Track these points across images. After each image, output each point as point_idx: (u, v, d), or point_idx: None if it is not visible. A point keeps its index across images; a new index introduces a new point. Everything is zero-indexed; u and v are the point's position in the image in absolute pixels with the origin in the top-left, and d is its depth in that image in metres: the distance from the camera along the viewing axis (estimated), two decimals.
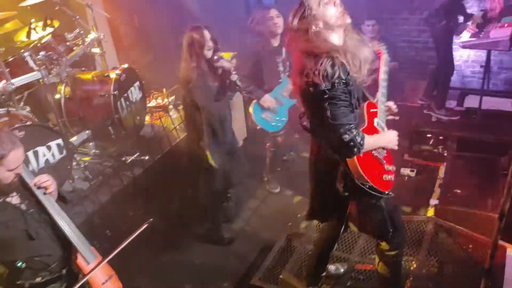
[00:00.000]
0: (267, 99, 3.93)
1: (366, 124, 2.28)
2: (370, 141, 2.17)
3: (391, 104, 2.46)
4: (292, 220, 4.00)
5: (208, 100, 3.22)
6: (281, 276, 3.26)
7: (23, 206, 2.12)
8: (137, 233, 2.28)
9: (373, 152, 2.25)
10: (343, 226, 2.57)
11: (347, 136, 2.04)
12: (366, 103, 2.34)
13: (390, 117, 2.47)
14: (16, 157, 2.00)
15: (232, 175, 3.60)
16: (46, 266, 2.15)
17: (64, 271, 2.25)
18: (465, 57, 5.79)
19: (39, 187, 2.15)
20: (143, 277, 3.49)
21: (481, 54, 5.45)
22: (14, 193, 2.11)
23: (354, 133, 2.05)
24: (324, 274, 3.01)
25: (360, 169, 2.15)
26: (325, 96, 2.05)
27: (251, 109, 3.99)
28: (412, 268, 3.12)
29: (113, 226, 3.60)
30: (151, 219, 2.37)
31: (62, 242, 2.22)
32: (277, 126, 4.07)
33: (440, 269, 3.11)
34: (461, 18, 4.69)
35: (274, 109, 3.97)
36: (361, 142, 2.07)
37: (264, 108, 3.95)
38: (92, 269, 2.19)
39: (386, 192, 2.29)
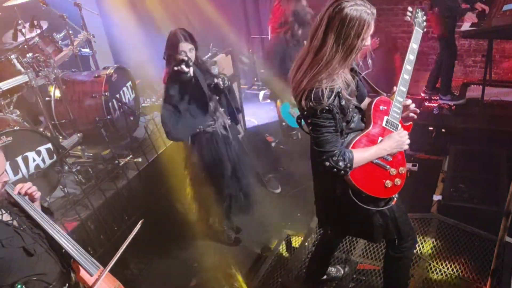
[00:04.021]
0: None
1: (371, 127, 2.07)
2: (366, 156, 2.02)
3: (409, 103, 2.15)
4: (291, 220, 3.89)
5: (169, 82, 3.09)
6: (280, 280, 3.16)
7: (15, 223, 1.97)
8: (131, 236, 2.21)
9: (375, 160, 2.07)
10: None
11: (327, 163, 1.95)
12: (375, 100, 2.08)
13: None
14: None
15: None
16: (47, 285, 2.02)
17: None
18: (466, 46, 5.66)
19: (24, 195, 2.01)
20: (143, 278, 3.49)
21: (483, 43, 5.32)
22: (3, 211, 1.97)
23: (335, 159, 1.93)
24: (324, 277, 2.92)
25: (354, 182, 2.03)
26: (308, 121, 1.99)
27: (279, 103, 4.13)
28: (415, 267, 3.01)
29: (107, 231, 3.52)
30: (142, 220, 2.30)
31: (60, 257, 2.09)
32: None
33: (444, 268, 3.01)
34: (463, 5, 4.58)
35: None
36: (347, 164, 1.95)
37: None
38: (95, 282, 2.06)
39: (388, 199, 2.16)
